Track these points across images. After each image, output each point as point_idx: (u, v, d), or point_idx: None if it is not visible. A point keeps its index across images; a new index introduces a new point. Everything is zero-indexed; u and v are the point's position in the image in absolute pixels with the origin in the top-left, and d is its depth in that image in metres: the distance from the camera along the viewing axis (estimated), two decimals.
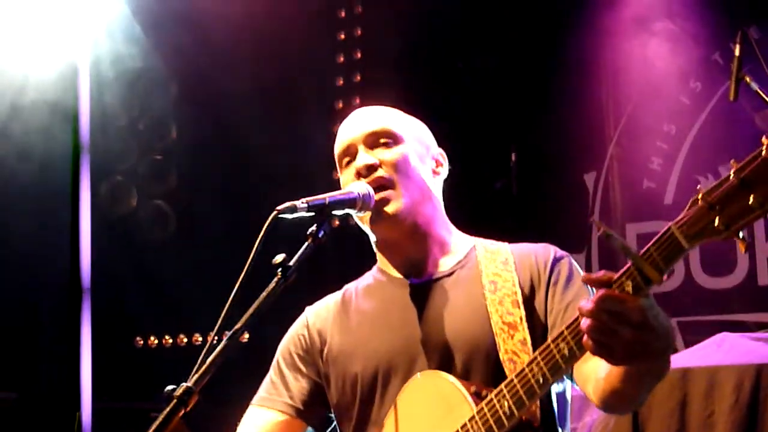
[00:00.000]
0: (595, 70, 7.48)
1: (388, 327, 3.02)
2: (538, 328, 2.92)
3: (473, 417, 2.69)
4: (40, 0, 6.57)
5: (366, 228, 3.12)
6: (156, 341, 7.35)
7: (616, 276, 2.34)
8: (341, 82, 7.69)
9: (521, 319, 2.91)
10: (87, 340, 6.48)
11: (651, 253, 2.30)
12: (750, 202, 2.17)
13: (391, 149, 3.08)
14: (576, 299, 2.89)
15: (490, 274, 3.02)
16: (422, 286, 3.06)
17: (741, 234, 2.22)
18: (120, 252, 7.16)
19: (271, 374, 3.16)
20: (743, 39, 4.60)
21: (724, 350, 4.69)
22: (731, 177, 2.20)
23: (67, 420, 6.72)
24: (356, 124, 3.14)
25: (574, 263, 3.05)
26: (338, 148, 3.15)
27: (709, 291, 6.82)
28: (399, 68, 7.42)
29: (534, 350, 2.77)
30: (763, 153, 2.15)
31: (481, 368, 2.88)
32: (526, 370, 2.59)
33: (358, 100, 7.40)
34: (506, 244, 3.15)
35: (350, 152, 3.09)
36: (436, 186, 3.18)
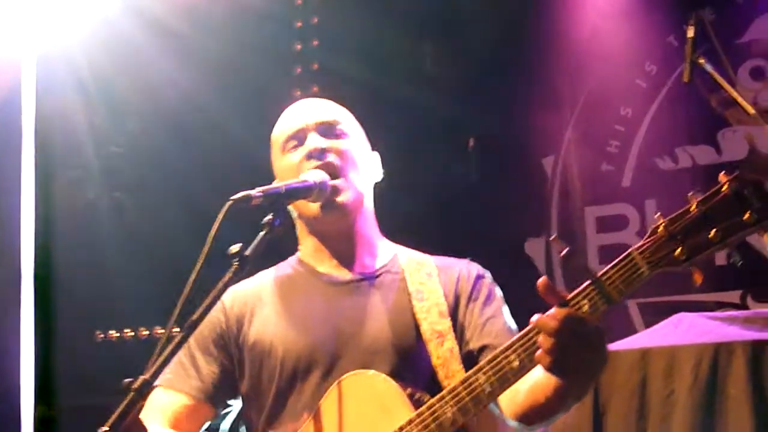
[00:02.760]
0: (551, 55, 7.49)
1: (311, 321, 3.01)
2: (459, 340, 2.97)
3: (412, 420, 2.71)
4: None
5: (305, 215, 3.10)
6: (116, 334, 7.31)
7: (571, 295, 2.44)
8: (299, 70, 7.66)
9: (449, 328, 2.96)
10: (28, 336, 6.44)
11: (610, 275, 2.42)
12: (711, 236, 2.32)
13: (342, 140, 3.10)
14: (494, 317, 2.99)
15: (416, 282, 3.06)
16: (347, 284, 3.07)
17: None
18: (77, 246, 7.10)
19: (180, 356, 3.02)
20: (697, 21, 4.62)
21: (682, 330, 4.73)
22: (693, 209, 2.34)
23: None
24: (308, 112, 3.15)
25: (495, 284, 3.13)
26: (285, 131, 3.14)
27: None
28: (357, 56, 7.41)
29: (461, 360, 2.89)
30: (724, 189, 2.31)
31: (410, 372, 2.90)
32: (472, 378, 2.64)
33: (315, 89, 7.38)
34: (429, 256, 3.19)
35: (299, 136, 3.09)
36: (371, 188, 3.20)
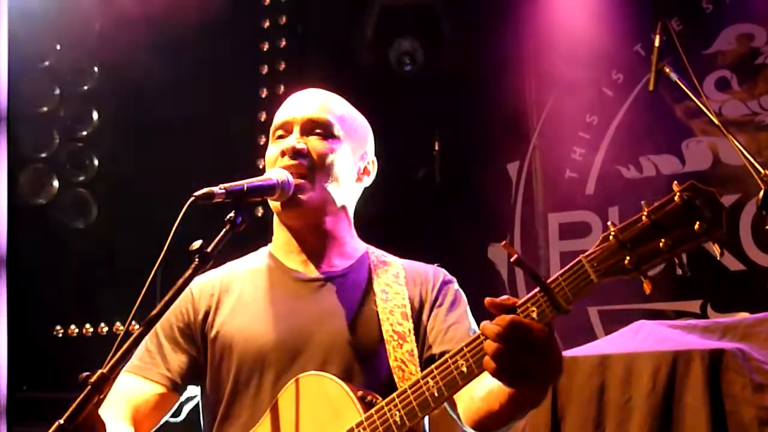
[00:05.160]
0: (519, 60, 7.54)
1: (273, 316, 3.01)
2: (421, 344, 2.98)
3: (361, 422, 2.70)
4: None
5: (273, 208, 3.11)
6: (76, 330, 7.27)
7: (520, 301, 2.41)
8: (266, 70, 7.65)
9: (410, 330, 2.96)
10: (2, 328, 6.40)
11: (560, 282, 2.39)
12: (660, 245, 2.29)
13: (323, 142, 3.08)
14: (458, 323, 2.99)
15: (382, 283, 3.06)
16: (313, 281, 3.07)
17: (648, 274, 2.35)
18: (39, 241, 7.06)
19: (147, 343, 3.04)
20: (663, 30, 4.65)
21: (641, 337, 4.75)
22: (644, 218, 2.31)
23: None
24: (301, 104, 3.15)
25: (460, 290, 3.13)
26: (277, 118, 3.16)
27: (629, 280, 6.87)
28: (324, 57, 7.42)
29: (420, 363, 2.89)
30: (676, 199, 2.28)
31: (368, 373, 2.91)
32: (421, 382, 2.61)
33: (282, 89, 7.38)
34: (398, 258, 3.20)
35: (286, 128, 3.11)
36: (354, 191, 3.20)
